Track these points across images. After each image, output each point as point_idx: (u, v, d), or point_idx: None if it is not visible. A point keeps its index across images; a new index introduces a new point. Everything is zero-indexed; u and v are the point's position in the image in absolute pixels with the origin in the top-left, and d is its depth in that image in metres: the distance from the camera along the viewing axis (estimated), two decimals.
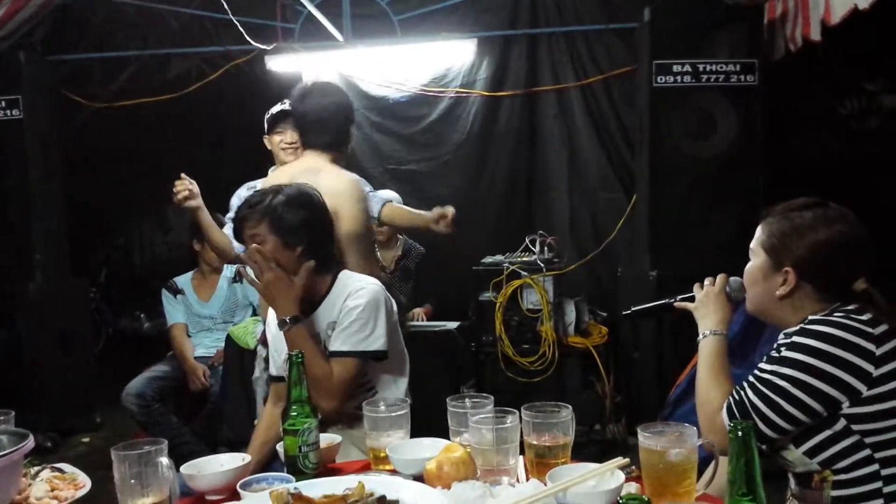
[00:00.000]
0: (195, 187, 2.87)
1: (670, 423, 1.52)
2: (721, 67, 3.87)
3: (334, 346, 2.15)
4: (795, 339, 1.59)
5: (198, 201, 2.87)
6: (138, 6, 4.85)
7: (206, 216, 2.93)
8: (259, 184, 3.27)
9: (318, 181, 2.53)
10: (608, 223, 4.79)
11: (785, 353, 1.59)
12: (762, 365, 1.62)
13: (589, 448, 3.83)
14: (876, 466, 1.55)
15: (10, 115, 4.33)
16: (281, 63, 4.58)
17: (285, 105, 3.27)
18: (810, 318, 1.62)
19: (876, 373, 1.52)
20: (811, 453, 1.58)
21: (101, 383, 4.79)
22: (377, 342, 2.16)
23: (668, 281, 3.79)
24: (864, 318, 1.57)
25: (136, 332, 7.15)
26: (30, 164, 4.37)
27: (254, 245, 2.12)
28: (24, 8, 4.36)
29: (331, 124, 2.80)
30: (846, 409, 1.54)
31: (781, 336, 1.68)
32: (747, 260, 1.76)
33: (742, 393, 1.61)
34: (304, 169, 2.73)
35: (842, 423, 1.55)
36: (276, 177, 2.80)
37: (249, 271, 2.18)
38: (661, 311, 2.01)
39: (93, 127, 5.63)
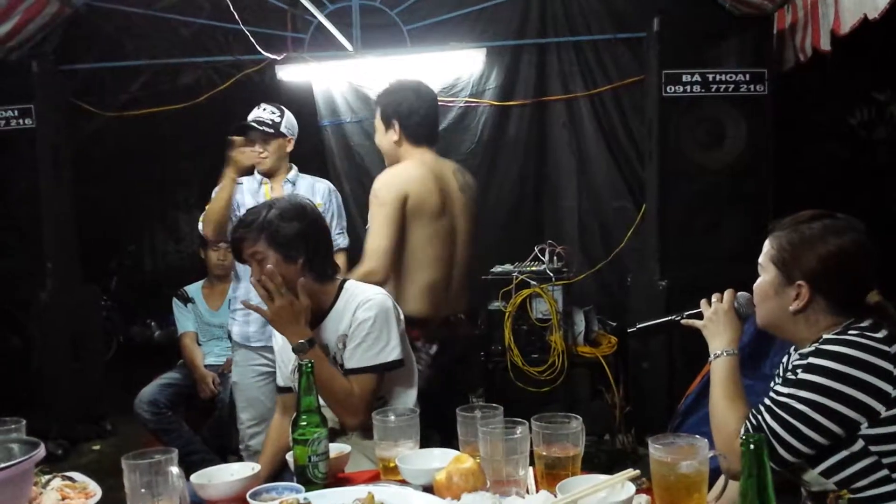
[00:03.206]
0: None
1: (681, 434, 1.52)
2: (730, 77, 3.86)
3: (351, 363, 2.15)
4: (812, 360, 1.56)
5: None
6: (149, 16, 4.88)
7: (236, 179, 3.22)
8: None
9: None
10: (617, 232, 4.79)
11: (802, 375, 1.56)
12: (779, 388, 1.60)
13: (598, 458, 3.81)
14: (893, 486, 1.53)
15: (23, 124, 4.34)
16: (291, 72, 4.60)
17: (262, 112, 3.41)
18: (825, 337, 1.60)
19: (894, 393, 1.50)
20: (827, 473, 1.56)
21: (111, 391, 4.81)
22: (393, 353, 2.17)
23: (678, 290, 3.78)
24: (879, 335, 1.55)
25: (147, 340, 7.17)
26: (41, 173, 4.38)
27: (268, 268, 2.11)
28: (37, 18, 4.40)
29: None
30: (864, 429, 1.52)
31: (796, 356, 1.66)
32: (757, 269, 1.74)
33: (759, 417, 1.59)
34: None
35: (860, 443, 1.53)
36: (397, 179, 2.83)
37: (250, 297, 2.17)
38: (668, 327, 2.00)
39: (104, 136, 5.67)
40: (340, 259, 3.44)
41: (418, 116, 2.88)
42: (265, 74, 4.83)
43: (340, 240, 3.51)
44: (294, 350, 2.11)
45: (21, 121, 4.35)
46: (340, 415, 2.12)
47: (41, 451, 1.44)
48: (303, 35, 4.83)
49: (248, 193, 3.37)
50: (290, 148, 3.45)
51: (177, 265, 8.38)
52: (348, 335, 2.16)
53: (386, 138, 2.93)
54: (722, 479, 1.82)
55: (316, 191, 3.47)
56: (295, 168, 3.49)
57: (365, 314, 2.15)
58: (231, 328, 3.37)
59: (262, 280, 2.10)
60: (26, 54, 4.50)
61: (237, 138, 3.20)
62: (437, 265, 2.84)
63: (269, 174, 3.41)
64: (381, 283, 2.66)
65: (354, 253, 3.62)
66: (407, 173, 2.83)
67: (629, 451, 3.96)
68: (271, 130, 3.33)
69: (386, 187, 2.77)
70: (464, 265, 2.97)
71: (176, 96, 5.21)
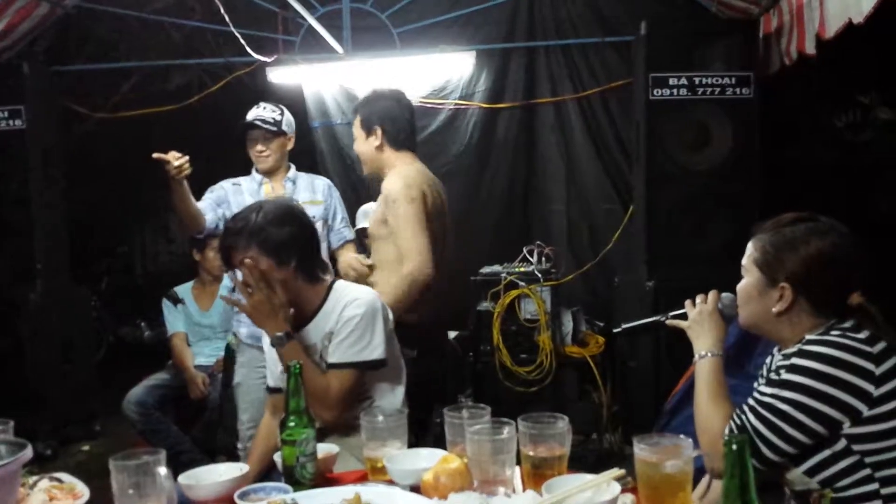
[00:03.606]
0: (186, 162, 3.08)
1: (666, 434, 1.52)
2: (717, 80, 3.89)
3: (333, 357, 2.15)
4: (794, 361, 1.58)
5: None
6: (141, 18, 4.88)
7: (185, 184, 3.15)
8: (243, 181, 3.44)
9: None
10: (605, 234, 4.81)
11: (785, 375, 1.58)
12: (762, 388, 1.62)
13: (585, 458, 3.84)
14: (875, 485, 1.54)
15: (13, 125, 4.33)
16: (282, 75, 4.61)
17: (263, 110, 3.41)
18: (807, 338, 1.61)
19: (876, 393, 1.52)
20: (811, 472, 1.58)
21: (101, 392, 4.80)
22: (376, 351, 2.16)
23: (665, 291, 3.81)
24: (861, 336, 1.57)
25: (137, 341, 7.16)
26: (32, 174, 4.37)
27: (248, 262, 2.10)
28: (28, 19, 4.39)
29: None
30: (847, 429, 1.53)
31: (779, 357, 1.68)
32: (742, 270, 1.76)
33: (743, 417, 1.60)
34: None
35: (842, 442, 1.54)
36: (414, 178, 2.90)
37: (235, 294, 2.18)
38: (654, 328, 2.02)
39: (95, 137, 5.66)
40: (351, 250, 3.48)
41: (400, 122, 2.97)
42: (256, 77, 4.84)
43: (346, 232, 3.54)
44: (272, 343, 2.12)
45: (12, 122, 4.34)
46: (315, 409, 2.09)
47: (28, 453, 1.43)
48: (294, 38, 4.85)
49: (248, 193, 3.36)
50: (290, 146, 3.45)
51: (168, 266, 8.37)
52: (334, 332, 2.16)
53: (367, 144, 3.00)
54: (706, 478, 1.84)
55: (316, 188, 3.49)
56: (293, 166, 3.50)
57: (352, 311, 2.15)
58: (238, 329, 3.32)
59: (245, 276, 2.11)
60: (17, 55, 4.50)
61: (166, 159, 3.12)
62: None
63: (269, 173, 3.41)
64: (430, 279, 2.74)
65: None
66: (418, 174, 2.92)
67: (616, 451, 3.98)
68: (274, 128, 3.35)
69: (408, 186, 2.83)
70: (446, 270, 3.02)
71: (167, 98, 5.21)
